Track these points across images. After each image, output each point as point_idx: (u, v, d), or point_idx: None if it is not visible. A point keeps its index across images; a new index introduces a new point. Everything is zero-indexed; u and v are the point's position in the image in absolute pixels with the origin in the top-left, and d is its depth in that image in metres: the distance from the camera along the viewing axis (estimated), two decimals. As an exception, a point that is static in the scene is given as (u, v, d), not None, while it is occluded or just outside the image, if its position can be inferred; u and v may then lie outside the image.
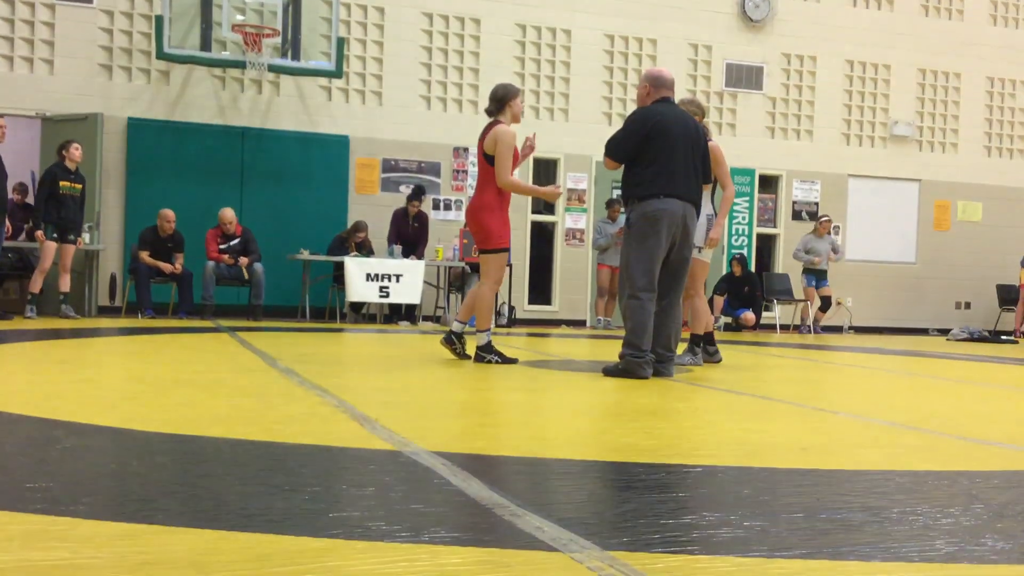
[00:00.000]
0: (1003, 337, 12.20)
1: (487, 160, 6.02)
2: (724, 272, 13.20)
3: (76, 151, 9.84)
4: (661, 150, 5.32)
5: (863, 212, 14.36)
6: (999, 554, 1.84)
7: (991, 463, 2.98)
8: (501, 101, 6.08)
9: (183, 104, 11.67)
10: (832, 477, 2.65)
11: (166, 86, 11.62)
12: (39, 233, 9.61)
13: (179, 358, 5.77)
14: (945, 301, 14.79)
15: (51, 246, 9.73)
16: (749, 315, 12.81)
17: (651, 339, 5.33)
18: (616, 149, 5.45)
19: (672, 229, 5.32)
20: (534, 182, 12.92)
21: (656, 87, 5.57)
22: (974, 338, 12.15)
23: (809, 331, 13.11)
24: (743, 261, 12.96)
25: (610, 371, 5.38)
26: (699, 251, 6.23)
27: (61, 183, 9.74)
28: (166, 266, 10.65)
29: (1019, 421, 4.23)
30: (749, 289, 12.92)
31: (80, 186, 9.98)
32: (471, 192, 12.14)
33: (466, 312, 6.24)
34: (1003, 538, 1.96)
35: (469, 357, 6.15)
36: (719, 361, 6.66)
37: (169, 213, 10.69)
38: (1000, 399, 5.23)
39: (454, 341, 6.19)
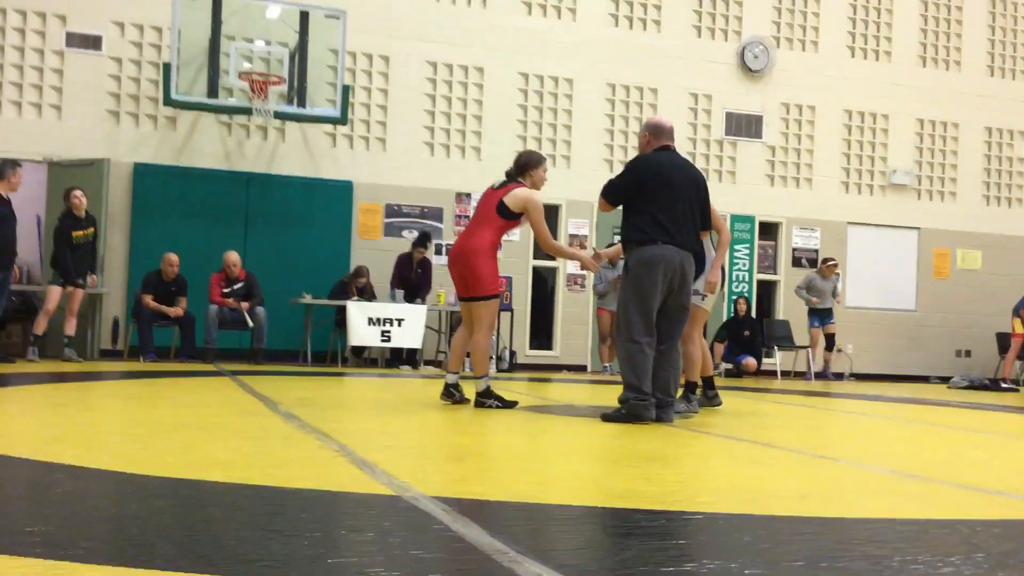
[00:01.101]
0: (1003, 385, 12.16)
1: (499, 209, 5.99)
2: (725, 318, 13.22)
3: (77, 199, 9.92)
4: (660, 197, 5.37)
5: (863, 259, 14.41)
6: (998, 603, 1.84)
7: (992, 511, 2.98)
8: (524, 167, 6.12)
9: (189, 150, 11.78)
10: (833, 525, 2.65)
11: (173, 132, 11.74)
12: (69, 288, 9.76)
13: (180, 402, 5.77)
14: (945, 349, 14.77)
15: (57, 290, 9.78)
16: (750, 360, 12.81)
17: (650, 383, 5.34)
18: (613, 192, 5.53)
19: (669, 275, 5.36)
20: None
21: (656, 136, 5.64)
22: (975, 386, 12.12)
23: (812, 377, 13.09)
24: (747, 301, 12.99)
25: (610, 417, 5.38)
26: (702, 298, 6.24)
27: (74, 233, 9.88)
28: (169, 310, 10.68)
29: (1019, 470, 4.22)
30: (750, 334, 12.93)
31: (92, 230, 10.10)
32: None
33: (456, 362, 6.22)
34: (1003, 587, 1.96)
35: (469, 400, 6.14)
36: (718, 405, 6.65)
37: (173, 257, 10.74)
38: (1000, 447, 5.22)
39: (452, 393, 6.18)
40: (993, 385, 12.14)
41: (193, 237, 11.52)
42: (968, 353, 14.87)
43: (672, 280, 5.38)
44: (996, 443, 5.45)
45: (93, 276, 10.14)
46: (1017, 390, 11.95)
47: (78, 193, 9.98)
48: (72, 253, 9.85)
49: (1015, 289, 14.23)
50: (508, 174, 6.17)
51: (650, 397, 5.31)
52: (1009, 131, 15.09)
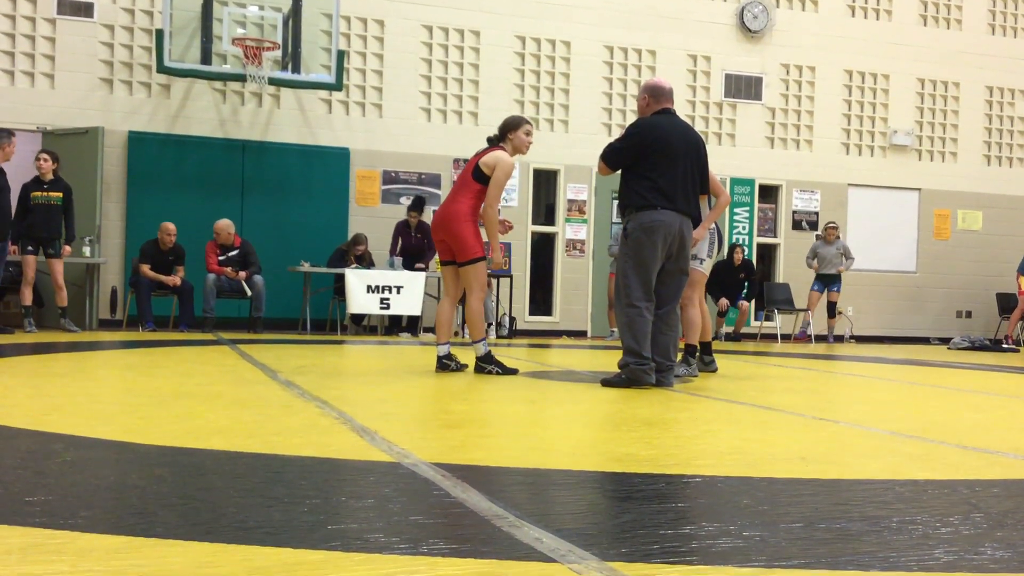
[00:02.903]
0: (1004, 346, 12.18)
1: (476, 174, 6.01)
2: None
3: (41, 161, 9.80)
4: (660, 162, 5.35)
5: (863, 221, 14.38)
6: (998, 563, 1.84)
7: (991, 472, 2.98)
8: (504, 130, 6.13)
9: (184, 117, 11.70)
10: (831, 487, 2.65)
11: (167, 100, 11.65)
12: (13, 248, 9.61)
13: (179, 371, 5.78)
14: (946, 310, 14.78)
15: (30, 259, 9.71)
16: (744, 303, 12.83)
17: (649, 347, 5.34)
18: (613, 156, 5.49)
19: (668, 240, 5.35)
20: (534, 193, 12.96)
21: (655, 98, 5.60)
22: (975, 347, 12.14)
23: (810, 339, 13.12)
24: (744, 250, 12.97)
25: (610, 382, 5.38)
26: (700, 263, 6.25)
27: (32, 194, 9.74)
28: (167, 279, 10.66)
29: (1019, 430, 4.22)
30: (745, 275, 12.90)
31: (58, 194, 9.86)
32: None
33: (444, 333, 6.19)
34: (1002, 547, 1.96)
35: (467, 365, 6.14)
36: (714, 371, 6.66)
37: (170, 226, 10.71)
38: (1000, 408, 5.23)
39: (446, 364, 6.16)
40: (994, 346, 12.16)
41: (189, 206, 11.48)
42: (969, 314, 14.88)
43: (672, 245, 5.38)
44: (996, 404, 5.46)
45: (66, 246, 9.98)
46: (1018, 350, 11.97)
47: (43, 155, 9.87)
48: (28, 216, 9.69)
49: (1016, 249, 14.22)
50: (490, 139, 6.17)
51: (650, 361, 5.32)
52: (1010, 90, 14.99)
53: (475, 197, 6.02)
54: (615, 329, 12.27)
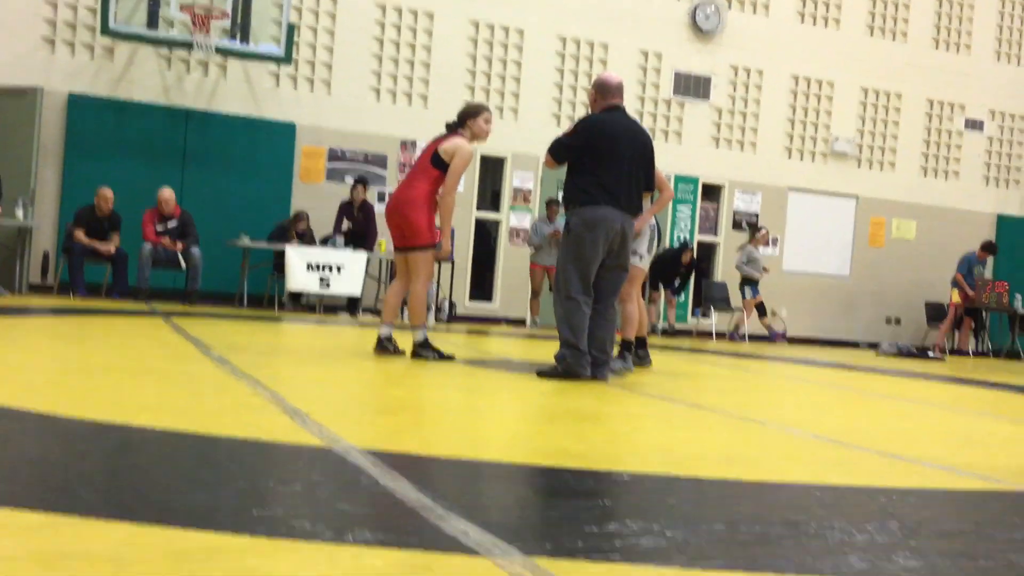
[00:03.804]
0: (931, 354, 12.52)
1: (434, 160, 6.00)
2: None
3: None
4: (605, 159, 5.39)
5: (801, 225, 14.63)
6: (910, 572, 1.90)
7: (909, 480, 3.07)
8: (463, 117, 6.11)
9: (127, 82, 11.45)
10: (754, 489, 2.71)
11: (110, 63, 11.39)
12: None
13: (110, 342, 5.67)
14: (876, 316, 15.13)
15: None
16: (673, 298, 13.04)
17: (586, 341, 5.39)
18: (559, 151, 5.51)
19: (610, 237, 5.39)
20: (480, 180, 12.95)
21: (602, 94, 5.63)
22: (903, 353, 12.45)
23: (744, 339, 13.33)
24: (692, 254, 13.11)
25: (546, 373, 5.42)
26: (640, 258, 6.32)
27: None
28: (101, 246, 10.44)
29: (938, 439, 4.35)
30: (685, 273, 13.08)
31: None
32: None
33: (390, 314, 6.18)
34: (915, 556, 2.02)
35: (404, 352, 6.13)
36: (648, 365, 6.74)
37: (108, 192, 10.49)
38: (923, 416, 5.38)
39: (386, 346, 6.14)
40: (920, 354, 12.48)
41: (128, 173, 11.25)
42: (898, 321, 15.24)
43: (612, 242, 5.42)
44: (919, 412, 5.61)
45: None
46: (943, 359, 12.30)
47: None
48: None
49: (947, 259, 14.60)
50: (448, 125, 6.15)
51: (586, 355, 5.36)
52: (950, 104, 15.35)
53: (432, 183, 6.01)
54: (536, 319, 12.35)
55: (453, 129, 6.11)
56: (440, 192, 6.05)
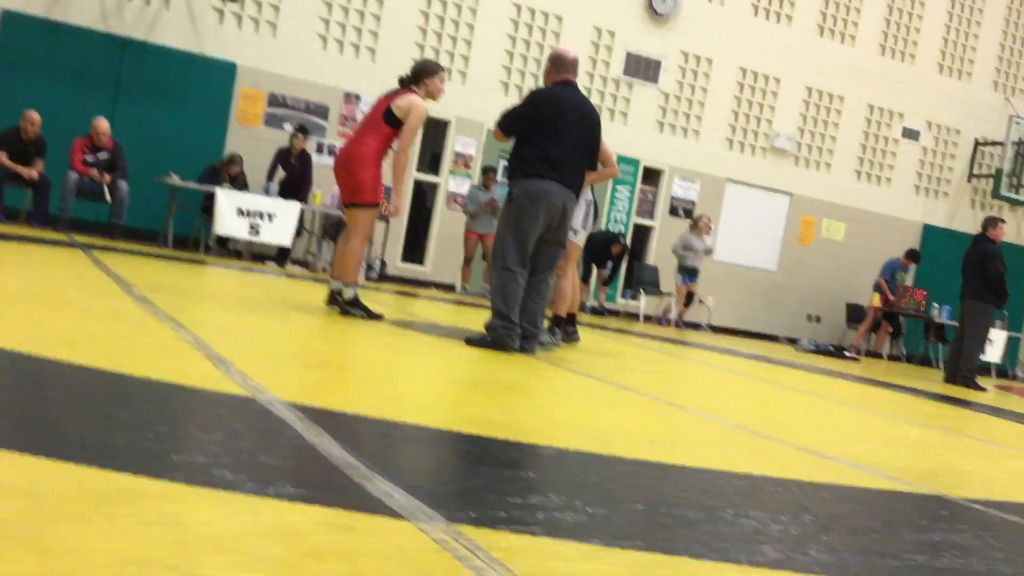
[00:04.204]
0: (847, 353, 12.85)
1: (386, 117, 5.89)
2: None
3: None
4: (552, 133, 5.39)
5: (735, 217, 14.83)
6: (822, 566, 1.94)
7: (821, 475, 3.13)
8: (418, 75, 6.01)
9: (63, 3, 11.02)
10: (674, 472, 2.74)
11: (47, -19, 10.94)
12: None
13: (27, 271, 5.49)
14: (798, 312, 15.46)
15: None
16: (604, 272, 13.12)
17: (518, 312, 5.39)
18: (508, 123, 5.50)
19: (551, 212, 5.40)
20: (422, 142, 12.82)
21: (556, 68, 5.61)
22: (819, 351, 12.75)
23: (670, 324, 13.50)
24: (624, 248, 13.16)
25: (475, 341, 5.41)
26: (575, 233, 6.33)
27: None
28: (25, 170, 10.08)
29: (850, 437, 4.46)
30: (615, 260, 13.16)
31: None
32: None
33: (340, 270, 6.12)
34: (827, 550, 2.07)
35: (380, 317, 6.02)
36: (576, 342, 6.78)
37: (35, 115, 10.11)
38: (836, 413, 5.51)
39: (337, 299, 6.05)
40: (837, 352, 12.79)
41: (58, 98, 10.86)
42: (819, 319, 15.60)
43: (553, 217, 5.43)
44: (833, 409, 5.75)
45: None
46: (858, 360, 12.63)
47: None
48: None
49: (871, 264, 14.96)
50: (401, 80, 6.06)
51: (516, 327, 5.37)
52: (889, 111, 15.67)
53: (383, 140, 5.91)
54: (465, 285, 12.35)
55: (406, 85, 6.01)
56: (393, 149, 5.95)
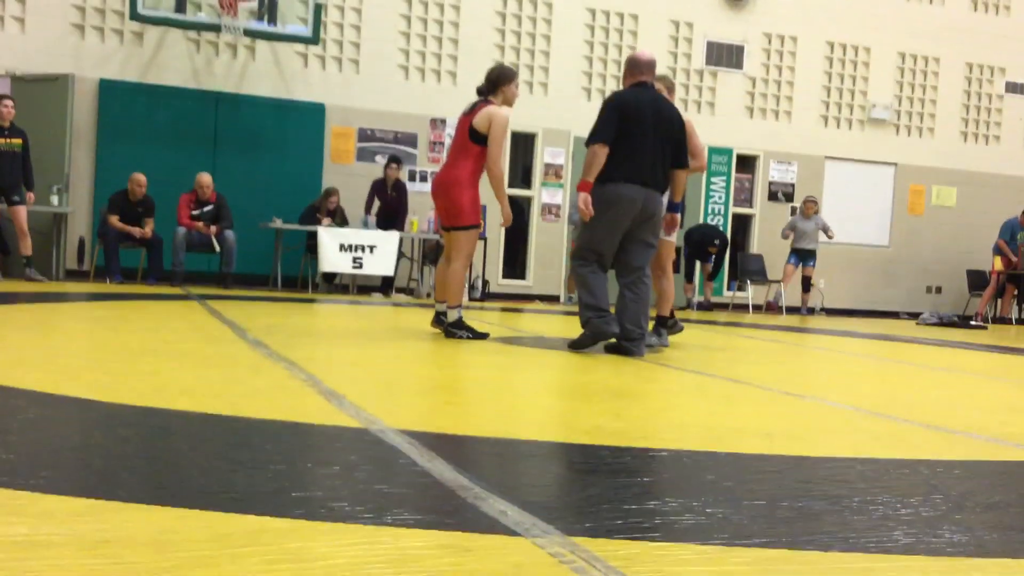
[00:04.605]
0: (972, 323, 12.34)
1: (472, 136, 5.95)
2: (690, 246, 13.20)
3: (5, 108, 9.58)
4: (628, 136, 5.40)
5: (839, 194, 14.44)
6: (955, 547, 1.86)
7: (953, 452, 3.02)
8: (495, 83, 6.03)
9: (156, 66, 11.51)
10: (795, 464, 2.67)
11: (139, 48, 11.44)
12: None
13: (146, 326, 5.72)
14: (916, 285, 14.93)
15: None
16: (708, 266, 12.93)
17: (607, 300, 5.49)
18: (602, 135, 5.43)
19: (631, 214, 5.44)
20: (511, 156, 12.90)
21: (632, 71, 5.64)
22: (944, 323, 12.28)
23: (781, 311, 13.22)
24: (720, 244, 12.97)
25: (577, 343, 5.52)
26: (663, 232, 6.19)
27: None
28: (136, 230, 10.54)
29: (983, 409, 4.28)
30: (717, 256, 12.97)
31: (18, 140, 9.71)
32: (448, 164, 12.09)
33: (443, 292, 6.21)
34: (960, 530, 1.98)
35: (485, 336, 6.10)
36: (680, 330, 6.69)
37: (141, 177, 10.57)
38: (965, 386, 5.30)
39: (443, 321, 6.14)
40: (962, 322, 12.31)
41: (160, 157, 11.33)
42: (939, 290, 15.04)
43: (634, 218, 5.46)
44: (962, 382, 5.53)
45: (30, 192, 9.82)
46: (986, 328, 12.12)
47: (7, 103, 9.66)
48: None
49: (988, 227, 14.35)
50: (479, 90, 6.10)
51: (608, 313, 5.45)
52: (989, 67, 15.05)
53: (475, 160, 5.98)
54: (571, 295, 12.32)
55: (483, 94, 6.06)
56: (485, 166, 6.00)
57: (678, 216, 6.05)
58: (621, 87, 5.76)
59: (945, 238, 14.95)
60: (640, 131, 5.41)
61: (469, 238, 6.07)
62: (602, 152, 5.41)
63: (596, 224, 5.44)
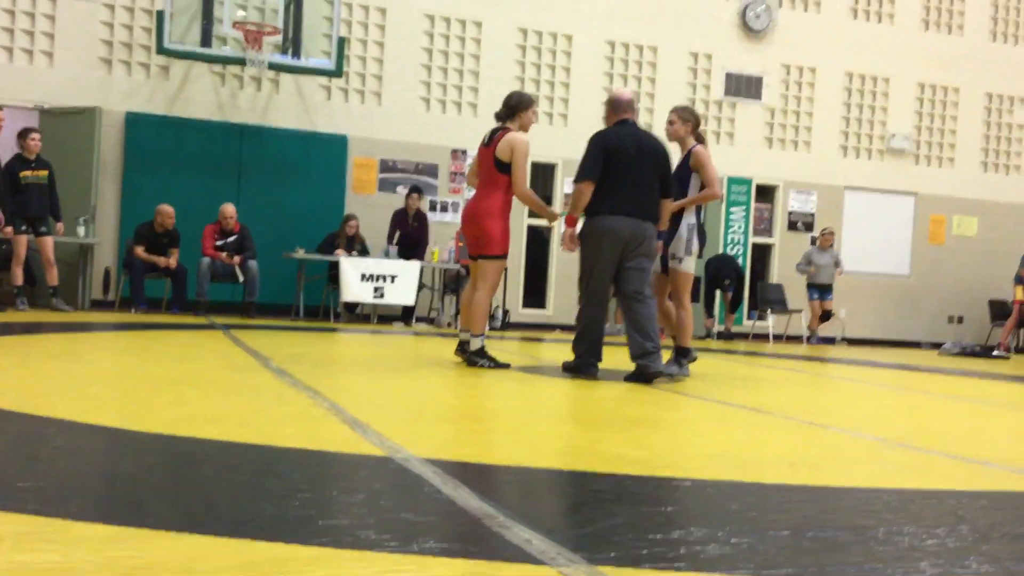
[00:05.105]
0: (995, 353, 12.23)
1: (496, 166, 6.01)
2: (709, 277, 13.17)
3: (33, 141, 9.72)
4: (612, 170, 5.69)
5: (859, 224, 14.40)
6: (983, 578, 1.86)
7: (979, 483, 3.00)
8: (514, 109, 6.11)
9: (182, 99, 11.67)
10: (820, 494, 2.67)
11: (165, 81, 11.61)
12: (8, 229, 9.53)
13: (172, 355, 5.78)
14: (938, 315, 14.83)
15: (21, 239, 9.65)
16: (728, 295, 12.94)
17: (598, 344, 5.80)
18: (588, 172, 5.73)
19: (617, 244, 5.70)
20: (531, 186, 12.91)
21: (615, 110, 5.94)
22: (966, 353, 12.19)
23: (814, 341, 13.17)
24: (728, 283, 12.99)
25: (567, 367, 5.93)
26: (679, 262, 6.16)
27: (21, 174, 9.64)
28: (161, 260, 10.64)
29: (1007, 439, 4.25)
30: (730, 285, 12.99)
31: (45, 172, 9.84)
32: (468, 194, 12.16)
33: (467, 320, 6.23)
34: (988, 561, 1.98)
35: (507, 365, 6.12)
36: (694, 359, 6.64)
37: (169, 209, 10.69)
38: (990, 416, 5.26)
39: (467, 349, 6.15)
40: (985, 352, 12.20)
41: (185, 188, 11.45)
42: (960, 319, 14.93)
43: (625, 247, 5.71)
44: (986, 412, 5.48)
45: (59, 223, 9.95)
46: (1008, 358, 12.02)
47: (35, 135, 9.80)
48: (18, 195, 9.61)
49: (1010, 256, 14.25)
50: (497, 115, 6.16)
51: (595, 353, 5.80)
52: (1010, 97, 15.01)
53: (505, 190, 6.07)
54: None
55: (501, 119, 6.12)
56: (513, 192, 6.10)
57: (660, 243, 6.11)
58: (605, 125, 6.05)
59: (966, 268, 14.86)
60: (623, 165, 5.68)
61: (496, 268, 6.11)
62: (588, 189, 5.71)
63: (588, 257, 5.76)
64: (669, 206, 6.02)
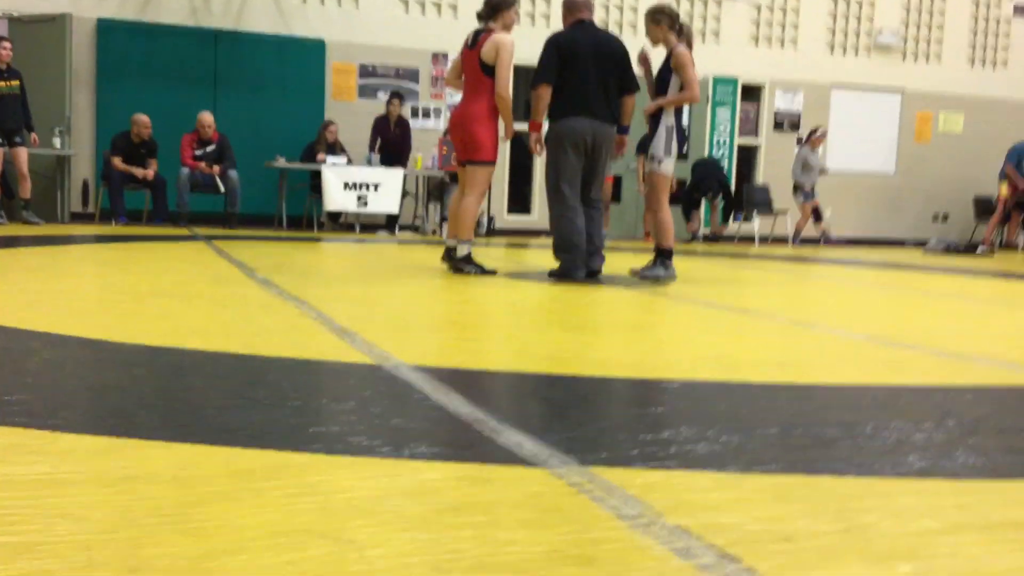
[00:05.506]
0: (979, 250, 12.30)
1: (483, 69, 5.88)
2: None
3: (5, 51, 9.49)
4: (570, 73, 5.73)
5: (845, 123, 14.30)
6: (971, 470, 1.88)
7: (964, 378, 3.02)
8: (495, 8, 5.96)
9: (154, 5, 11.34)
10: (807, 392, 2.69)
11: (136, -14, 11.26)
12: None
13: (155, 267, 5.73)
14: (923, 213, 14.86)
15: None
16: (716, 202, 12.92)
17: (580, 240, 5.82)
18: (542, 76, 5.78)
19: (581, 145, 5.80)
20: (514, 92, 12.72)
21: (569, 11, 5.94)
22: (950, 250, 12.25)
23: (828, 242, 13.22)
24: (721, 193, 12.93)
25: (553, 274, 5.93)
26: (658, 163, 6.07)
27: None
28: (139, 171, 10.49)
29: (992, 335, 4.28)
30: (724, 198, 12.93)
31: (16, 82, 9.62)
32: (450, 100, 11.98)
33: (455, 226, 6.17)
34: (975, 454, 2.00)
35: (494, 272, 6.10)
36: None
37: (144, 118, 10.49)
38: (974, 313, 5.30)
39: (453, 256, 6.13)
40: (969, 249, 12.27)
41: (161, 97, 11.23)
42: (945, 217, 14.97)
43: (586, 148, 5.82)
44: (970, 309, 5.52)
45: (33, 134, 9.77)
46: (992, 254, 12.09)
47: (6, 44, 9.55)
48: None
49: (995, 153, 14.22)
50: (479, 15, 6.02)
51: (578, 254, 5.83)
52: (998, -9, 14.78)
53: (491, 93, 5.96)
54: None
55: (483, 19, 5.99)
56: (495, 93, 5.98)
57: (626, 137, 6.14)
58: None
59: (952, 165, 14.83)
60: (580, 67, 5.70)
61: (485, 173, 6.04)
62: (546, 92, 5.77)
63: (555, 161, 5.79)
64: (631, 102, 6.04)
